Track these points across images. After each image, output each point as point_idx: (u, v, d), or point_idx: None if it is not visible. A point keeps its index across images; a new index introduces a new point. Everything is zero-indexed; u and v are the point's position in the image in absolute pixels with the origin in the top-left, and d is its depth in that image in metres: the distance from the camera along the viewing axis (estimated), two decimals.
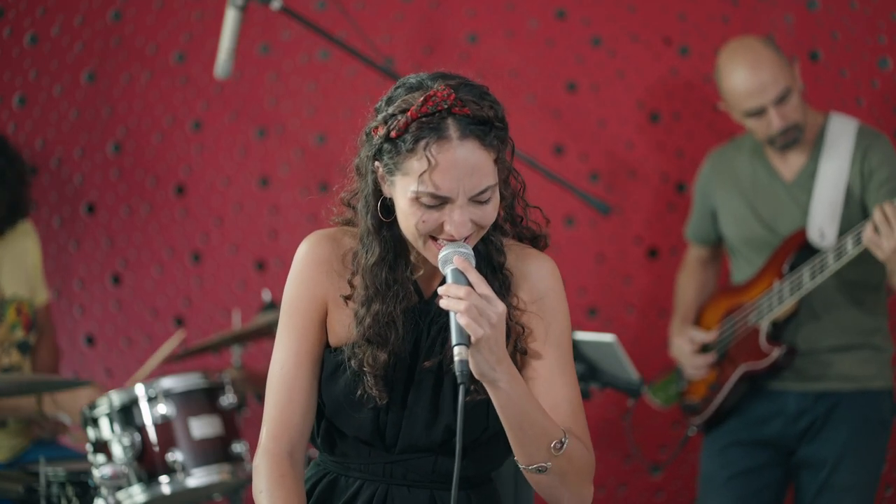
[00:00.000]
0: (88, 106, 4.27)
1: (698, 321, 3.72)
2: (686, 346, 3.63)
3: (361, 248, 2.17)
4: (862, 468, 3.45)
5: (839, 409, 3.45)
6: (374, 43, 3.93)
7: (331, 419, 2.21)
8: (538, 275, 2.19)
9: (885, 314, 3.54)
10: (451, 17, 4.25)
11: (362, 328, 2.15)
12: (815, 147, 3.49)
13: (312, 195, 4.21)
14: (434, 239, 2.09)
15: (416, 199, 2.05)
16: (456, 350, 1.99)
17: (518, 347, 2.15)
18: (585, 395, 3.30)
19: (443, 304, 2.00)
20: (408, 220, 2.08)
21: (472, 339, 1.97)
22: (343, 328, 2.19)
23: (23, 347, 3.78)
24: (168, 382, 3.41)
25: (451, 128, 2.04)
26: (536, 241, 2.25)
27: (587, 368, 3.35)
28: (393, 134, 2.05)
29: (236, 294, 4.31)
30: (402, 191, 2.07)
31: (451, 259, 2.04)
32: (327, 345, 2.21)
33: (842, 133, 3.46)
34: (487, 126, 2.08)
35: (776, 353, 3.46)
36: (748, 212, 3.57)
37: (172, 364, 3.92)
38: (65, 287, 4.25)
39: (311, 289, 2.20)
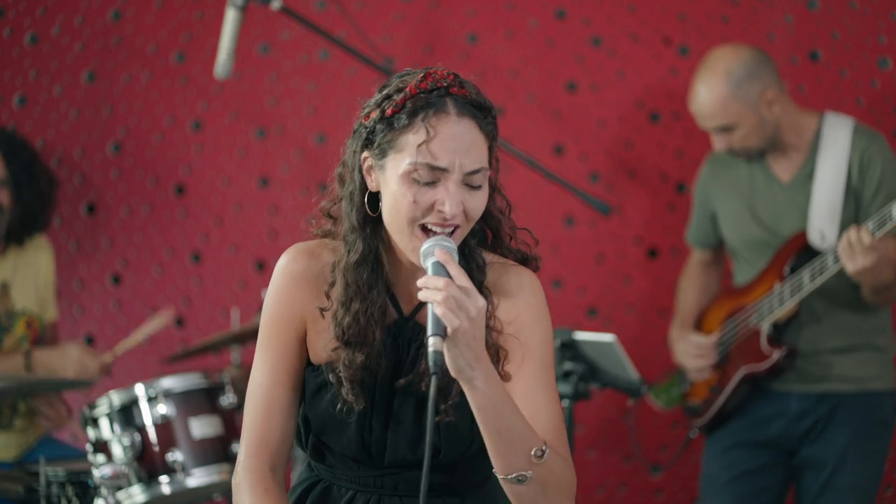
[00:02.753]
0: (88, 106, 4.27)
1: (701, 323, 3.71)
2: (690, 350, 3.63)
3: (344, 248, 2.13)
4: (863, 469, 3.45)
5: (841, 410, 3.45)
6: (374, 43, 3.93)
7: (318, 436, 2.19)
8: (516, 290, 2.14)
9: (888, 314, 3.54)
10: (451, 17, 4.25)
11: (340, 329, 2.11)
12: (812, 148, 3.48)
13: (312, 195, 4.21)
14: (423, 229, 2.05)
15: (412, 172, 2.02)
16: (431, 340, 1.93)
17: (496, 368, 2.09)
18: (585, 395, 3.30)
19: (421, 295, 1.96)
20: (398, 202, 2.04)
21: (449, 330, 1.92)
22: (322, 346, 2.16)
23: (25, 357, 3.79)
24: (168, 382, 3.41)
25: (450, 104, 2.04)
26: (526, 263, 2.20)
27: (587, 368, 3.34)
28: (389, 111, 2.04)
29: (236, 294, 4.30)
30: (395, 170, 2.04)
31: (433, 252, 2.00)
32: (309, 363, 2.19)
33: (837, 133, 3.46)
34: (484, 112, 2.07)
35: (777, 355, 3.46)
36: (747, 214, 3.57)
37: (172, 364, 3.92)
38: (65, 287, 4.24)
39: (288, 305, 2.17)
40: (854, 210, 3.42)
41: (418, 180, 2.03)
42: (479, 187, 2.06)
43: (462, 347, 1.94)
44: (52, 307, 3.93)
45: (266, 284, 4.08)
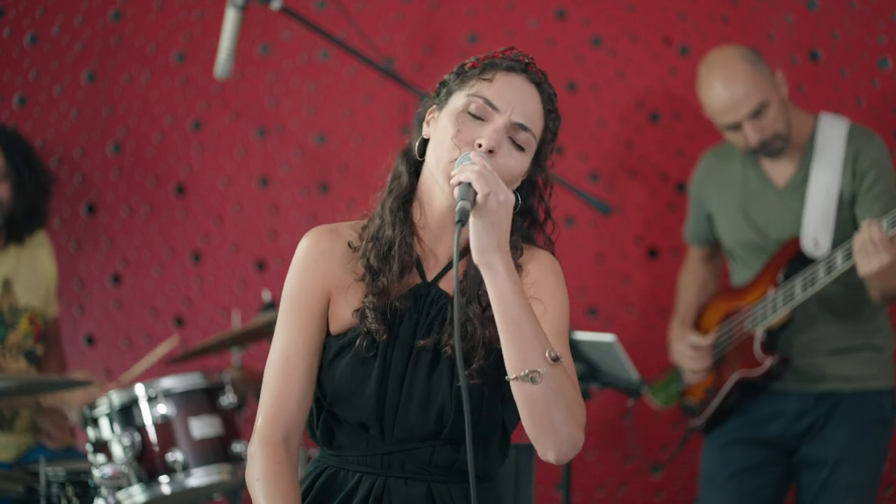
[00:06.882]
0: (88, 106, 4.27)
1: (699, 322, 3.72)
2: (686, 351, 3.63)
3: (380, 209, 2.23)
4: (863, 468, 3.45)
5: (840, 409, 3.45)
6: (374, 43, 3.93)
7: (330, 408, 2.22)
8: (537, 262, 2.27)
9: (885, 312, 3.53)
10: (451, 17, 4.25)
11: (365, 259, 2.19)
12: (806, 151, 3.47)
13: (312, 195, 4.21)
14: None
15: (468, 105, 2.14)
16: (459, 204, 2.02)
17: None
18: (585, 395, 3.30)
19: (454, 179, 2.04)
20: (443, 135, 2.15)
21: (479, 196, 2.01)
22: (346, 314, 2.21)
23: (30, 356, 3.80)
24: (168, 382, 3.42)
25: (521, 70, 2.17)
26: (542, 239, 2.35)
27: (587, 368, 3.35)
28: (469, 65, 2.18)
29: (236, 294, 4.31)
30: (452, 106, 2.16)
31: (468, 158, 2.08)
32: (329, 334, 2.23)
33: (832, 136, 3.44)
34: (549, 95, 2.21)
35: (769, 362, 3.46)
36: (741, 217, 3.56)
37: (172, 364, 3.92)
38: (65, 287, 4.24)
39: (312, 279, 2.22)
40: (849, 217, 3.41)
41: (470, 113, 2.14)
42: (521, 148, 2.17)
43: (487, 225, 2.03)
44: (53, 303, 3.94)
45: (266, 284, 4.14)
